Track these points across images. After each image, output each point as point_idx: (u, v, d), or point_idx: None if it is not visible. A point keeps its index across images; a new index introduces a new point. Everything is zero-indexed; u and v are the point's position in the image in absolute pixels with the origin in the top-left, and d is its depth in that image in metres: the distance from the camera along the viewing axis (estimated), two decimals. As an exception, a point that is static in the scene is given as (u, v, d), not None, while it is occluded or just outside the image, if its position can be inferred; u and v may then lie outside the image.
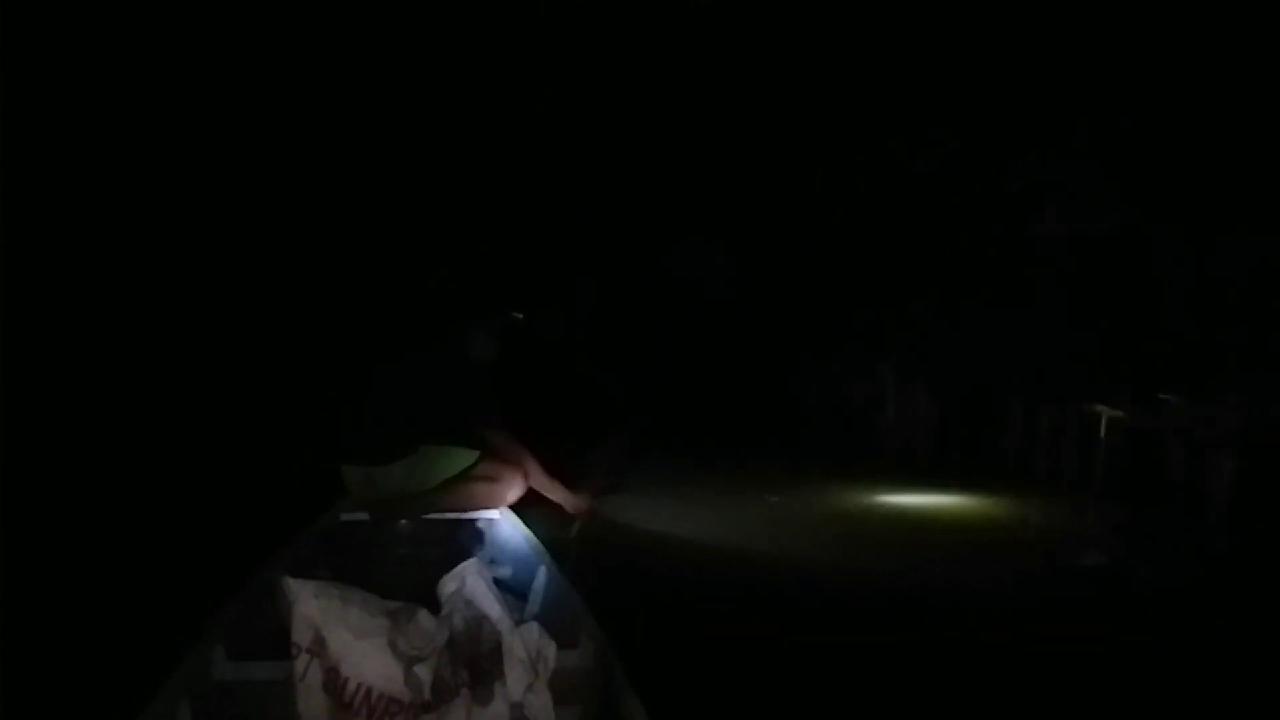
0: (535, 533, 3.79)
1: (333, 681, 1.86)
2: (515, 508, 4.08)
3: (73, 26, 8.45)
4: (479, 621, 2.03)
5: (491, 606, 2.04)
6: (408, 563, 3.11)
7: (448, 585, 2.08)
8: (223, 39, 9.28)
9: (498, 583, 2.15)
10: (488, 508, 4.00)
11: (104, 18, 8.61)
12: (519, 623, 2.10)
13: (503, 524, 3.95)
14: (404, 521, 3.63)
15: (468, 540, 3.41)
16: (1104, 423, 7.68)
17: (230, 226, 9.64)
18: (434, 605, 2.07)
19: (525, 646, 2.02)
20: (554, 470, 4.12)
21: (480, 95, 10.17)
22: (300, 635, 1.88)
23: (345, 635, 1.86)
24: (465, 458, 4.02)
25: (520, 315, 4.41)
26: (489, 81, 10.09)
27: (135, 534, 5.05)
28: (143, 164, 9.30)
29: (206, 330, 9.19)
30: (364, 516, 3.83)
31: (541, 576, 3.20)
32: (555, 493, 4.09)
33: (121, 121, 9.13)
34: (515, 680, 1.97)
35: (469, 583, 2.07)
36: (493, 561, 3.28)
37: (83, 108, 8.83)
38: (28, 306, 7.20)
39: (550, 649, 2.09)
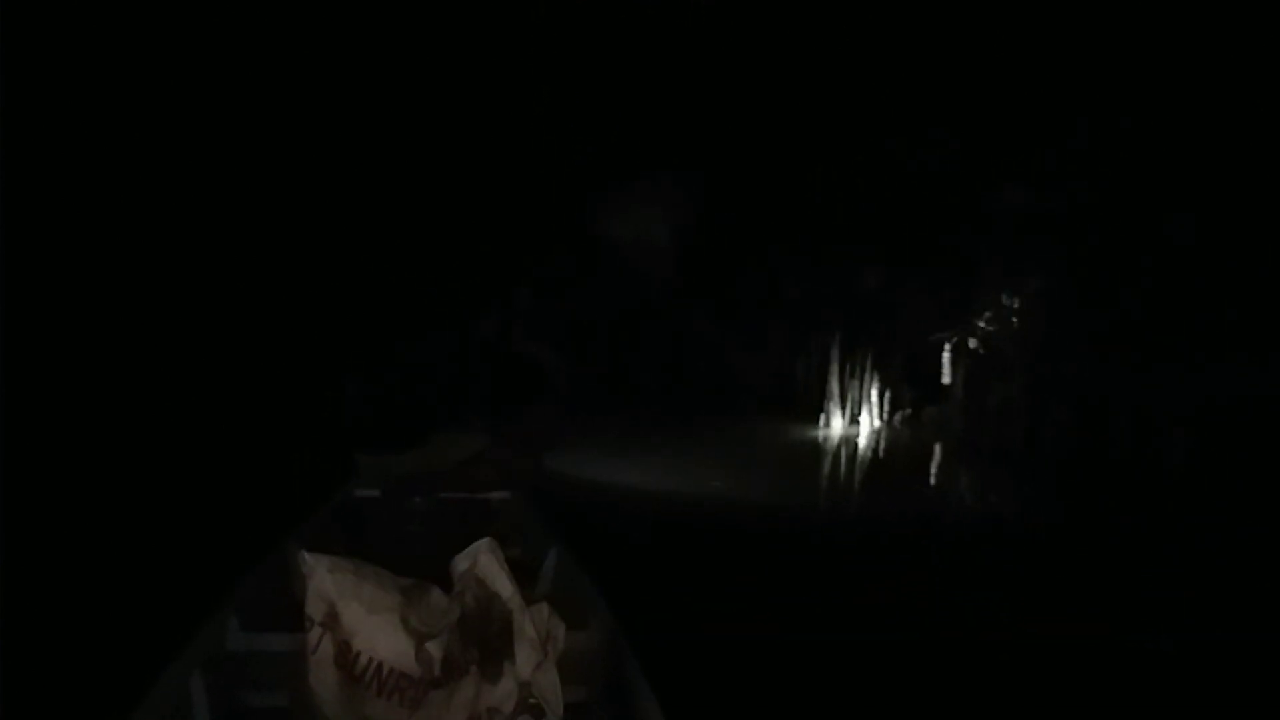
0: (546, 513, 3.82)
1: (344, 655, 1.88)
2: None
3: (73, 26, 8.47)
4: (490, 600, 2.05)
5: (503, 586, 2.05)
6: (421, 540, 3.14)
7: (460, 564, 2.10)
8: (211, 37, 9.28)
9: (508, 562, 2.17)
10: (498, 489, 4.02)
11: (103, 18, 8.62)
12: (529, 603, 2.11)
13: (513, 504, 3.97)
14: (417, 499, 3.66)
15: (480, 519, 3.43)
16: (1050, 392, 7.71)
17: (243, 218, 9.68)
18: (446, 583, 2.09)
19: (535, 626, 2.03)
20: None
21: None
22: (314, 609, 1.90)
23: (358, 610, 1.88)
24: (476, 442, 4.05)
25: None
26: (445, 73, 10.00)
27: (155, 509, 5.10)
28: (143, 157, 9.33)
29: (225, 314, 9.24)
30: (377, 494, 3.86)
31: (552, 557, 3.22)
32: None
33: (120, 117, 9.15)
34: (524, 659, 1.98)
35: (481, 562, 2.08)
36: (504, 541, 3.30)
37: (82, 107, 8.84)
38: (48, 289, 7.30)
39: (560, 629, 2.11)
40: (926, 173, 9.50)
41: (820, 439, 8.96)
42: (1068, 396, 8.29)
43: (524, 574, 2.67)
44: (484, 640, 2.00)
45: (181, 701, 2.00)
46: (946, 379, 9.30)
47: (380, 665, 1.86)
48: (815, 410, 9.73)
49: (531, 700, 1.98)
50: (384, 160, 9.95)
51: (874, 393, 9.63)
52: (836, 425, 9.42)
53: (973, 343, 9.07)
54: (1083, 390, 8.32)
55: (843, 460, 8.09)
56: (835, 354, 9.82)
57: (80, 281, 8.57)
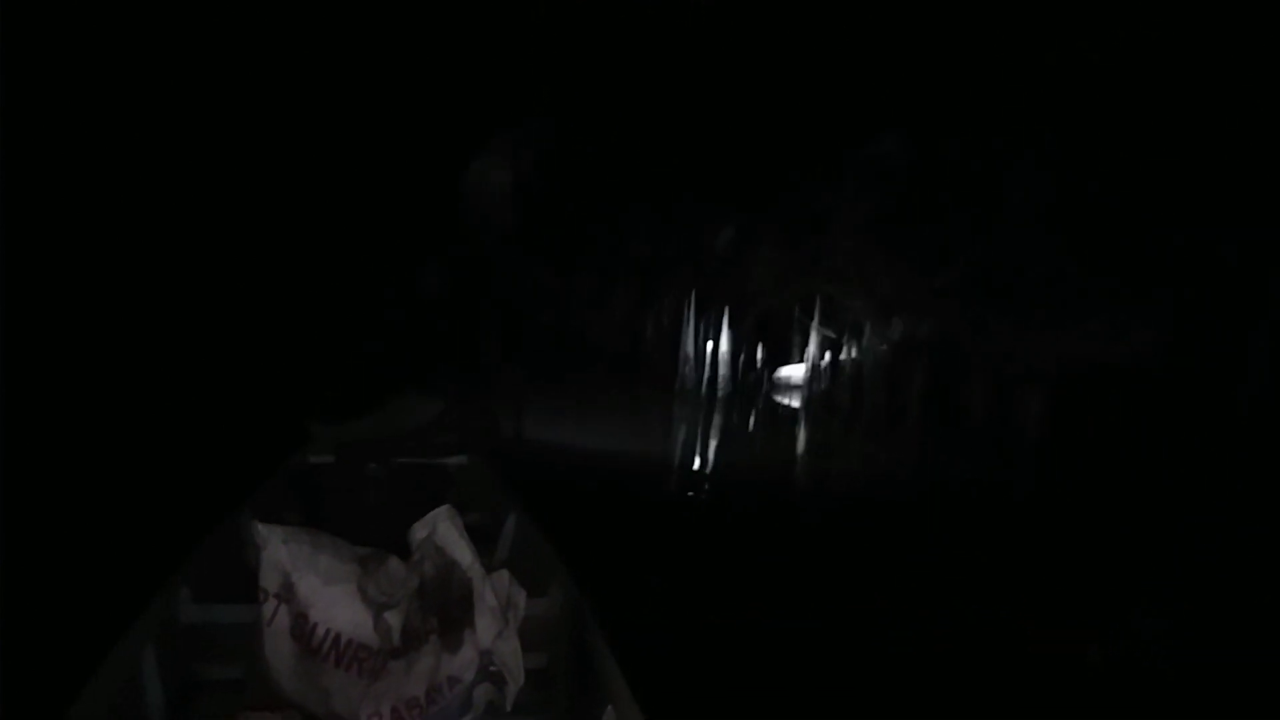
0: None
1: (300, 627, 1.85)
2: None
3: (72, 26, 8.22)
4: (449, 568, 2.02)
5: (462, 554, 2.03)
6: (377, 508, 3.09)
7: (419, 532, 2.07)
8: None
9: (467, 529, 2.14)
10: (454, 454, 3.98)
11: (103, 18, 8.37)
12: (489, 570, 2.09)
13: (471, 469, 3.94)
14: (373, 466, 3.61)
15: (437, 486, 3.40)
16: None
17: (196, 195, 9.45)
18: (404, 552, 2.06)
19: (495, 594, 2.01)
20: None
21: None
22: (268, 580, 1.86)
23: (314, 581, 1.85)
24: (431, 406, 3.99)
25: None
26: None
27: (104, 478, 5.00)
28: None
29: (175, 287, 9.07)
30: (332, 461, 3.80)
31: (511, 523, 3.20)
32: None
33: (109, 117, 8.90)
34: (485, 628, 1.96)
35: (440, 529, 2.05)
36: (462, 507, 3.28)
37: (81, 107, 8.59)
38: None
39: (520, 597, 2.09)
40: (778, 126, 9.38)
41: (674, 402, 8.87)
42: (920, 357, 8.43)
43: (483, 540, 2.65)
44: (444, 609, 1.97)
45: (134, 674, 1.96)
46: (800, 339, 9.31)
47: (338, 636, 1.83)
48: (664, 371, 9.55)
49: (492, 668, 1.97)
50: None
51: (726, 353, 9.53)
52: (690, 387, 9.34)
53: (821, 302, 9.08)
54: (935, 350, 8.48)
55: (698, 425, 8.06)
56: (688, 313, 9.64)
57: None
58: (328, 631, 1.83)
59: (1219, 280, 7.67)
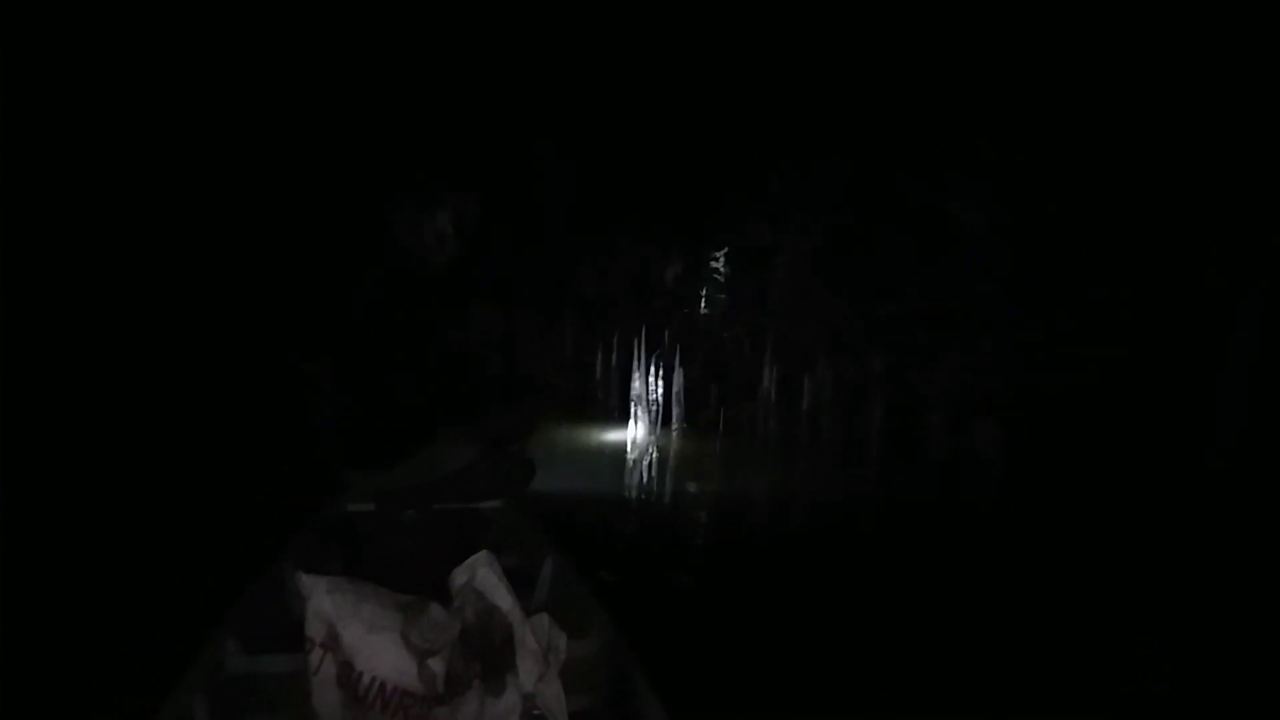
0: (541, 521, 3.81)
1: (346, 675, 1.87)
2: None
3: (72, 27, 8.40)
4: (490, 613, 2.04)
5: (503, 598, 2.05)
6: (417, 555, 3.12)
7: (459, 577, 2.09)
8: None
9: (506, 573, 2.16)
10: (492, 498, 4.01)
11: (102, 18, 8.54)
12: (529, 614, 2.11)
13: (507, 513, 3.96)
14: (410, 512, 3.64)
15: (475, 531, 3.42)
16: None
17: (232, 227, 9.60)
18: (445, 598, 2.09)
19: (536, 638, 2.03)
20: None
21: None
22: (314, 630, 1.89)
23: (359, 629, 1.88)
24: (467, 450, 4.02)
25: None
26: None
27: (147, 530, 5.08)
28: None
29: (208, 329, 9.19)
30: (370, 507, 3.83)
31: (549, 566, 3.22)
32: None
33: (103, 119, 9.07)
34: (527, 672, 1.98)
35: (480, 574, 2.08)
36: (499, 551, 3.30)
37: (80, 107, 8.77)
38: (29, 306, 7.25)
39: (561, 640, 2.11)
40: (720, 155, 9.34)
41: (630, 442, 8.72)
42: (874, 389, 8.40)
43: (522, 584, 2.67)
44: (486, 654, 2.00)
45: None
46: (752, 375, 9.16)
47: (383, 684, 1.85)
48: (615, 410, 9.35)
49: (536, 712, 1.98)
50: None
51: (678, 390, 9.33)
52: (643, 427, 9.14)
53: (767, 335, 8.93)
54: (888, 382, 8.45)
55: (654, 464, 7.97)
56: (638, 350, 9.43)
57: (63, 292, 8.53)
58: (373, 680, 1.86)
59: (1178, 305, 7.66)
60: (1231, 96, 7.34)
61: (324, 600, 1.90)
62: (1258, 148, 7.22)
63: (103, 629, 3.65)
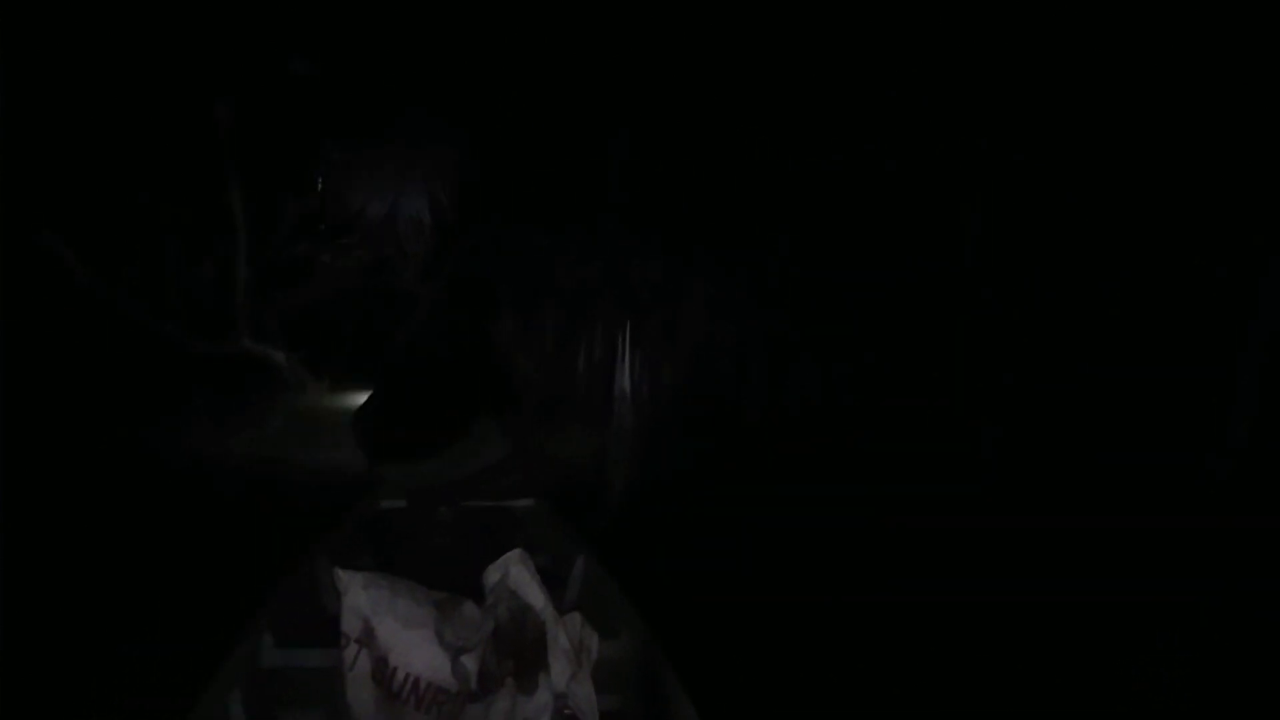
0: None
1: (381, 671, 1.89)
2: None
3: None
4: (523, 612, 2.05)
5: (535, 597, 2.06)
6: (449, 552, 3.14)
7: (492, 575, 2.10)
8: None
9: (538, 572, 2.17)
10: (523, 496, 4.03)
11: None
12: (561, 613, 2.12)
13: (538, 511, 3.98)
14: (443, 510, 3.67)
15: (507, 528, 3.44)
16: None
17: None
18: (478, 595, 2.10)
19: (569, 637, 2.03)
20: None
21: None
22: (349, 625, 1.91)
23: (393, 626, 1.89)
24: (496, 448, 4.04)
25: None
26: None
27: (184, 528, 5.14)
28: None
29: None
30: (402, 504, 3.87)
31: (580, 565, 3.22)
32: None
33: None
34: (559, 671, 1.98)
35: (513, 573, 2.08)
36: (531, 550, 3.31)
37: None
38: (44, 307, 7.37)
39: (593, 639, 2.11)
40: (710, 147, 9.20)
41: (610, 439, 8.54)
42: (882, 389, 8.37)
43: (552, 583, 2.68)
44: (518, 652, 2.00)
45: (222, 718, 2.01)
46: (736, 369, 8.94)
47: (417, 680, 1.87)
48: (598, 409, 8.90)
49: (567, 711, 1.98)
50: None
51: (665, 385, 9.04)
52: (630, 426, 8.93)
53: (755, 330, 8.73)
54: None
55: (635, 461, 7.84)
56: (623, 347, 9.04)
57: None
58: (407, 675, 1.87)
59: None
60: (1242, 91, 7.30)
61: (360, 596, 1.92)
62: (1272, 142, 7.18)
63: (120, 628, 3.70)
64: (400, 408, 4.05)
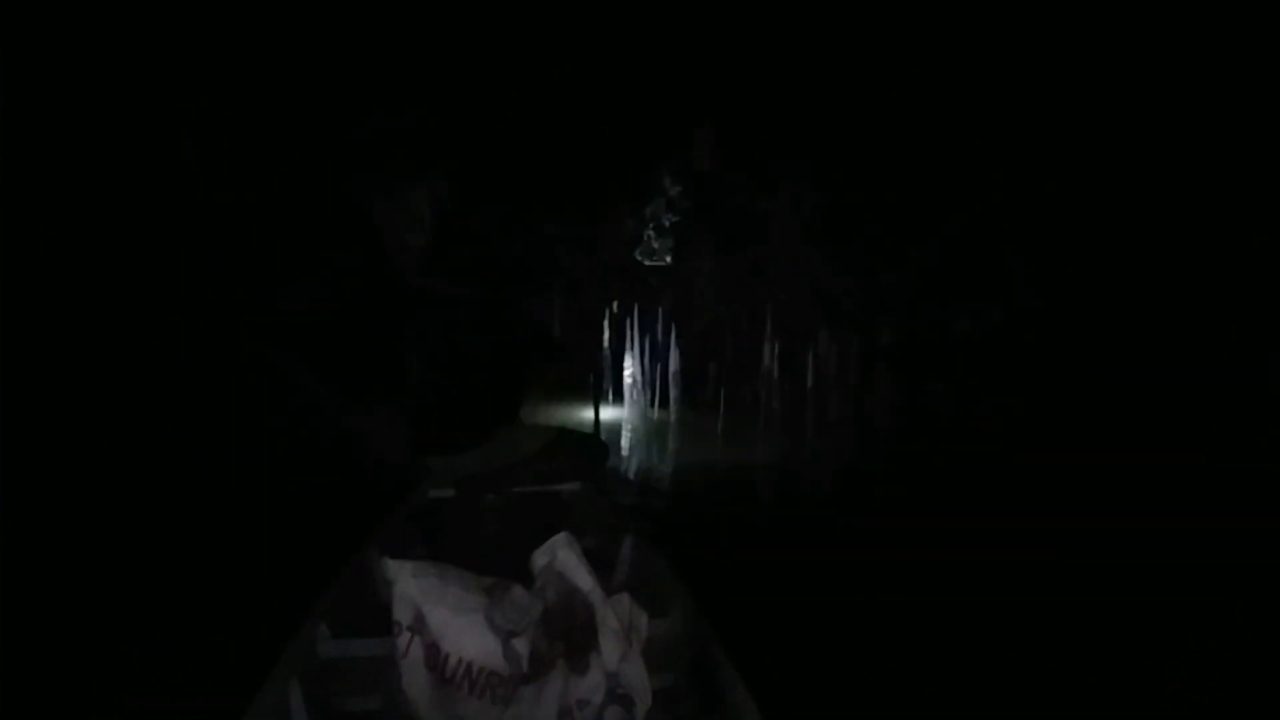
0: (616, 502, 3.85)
1: (434, 657, 1.92)
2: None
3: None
4: (571, 594, 2.07)
5: (583, 579, 2.07)
6: (498, 538, 3.18)
7: (539, 559, 2.13)
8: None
9: (585, 554, 2.18)
10: (570, 480, 4.05)
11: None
12: (609, 594, 2.13)
13: (585, 495, 4.00)
14: (490, 496, 3.70)
15: (554, 513, 3.46)
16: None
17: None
18: (526, 579, 2.12)
19: (618, 617, 2.05)
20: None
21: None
22: (401, 614, 1.94)
23: (444, 612, 1.92)
24: (542, 434, 4.08)
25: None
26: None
27: (240, 524, 5.22)
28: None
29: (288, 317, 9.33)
30: (451, 493, 3.91)
31: (627, 546, 3.24)
32: None
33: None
34: (609, 651, 2.00)
35: (560, 556, 2.10)
36: (578, 533, 3.34)
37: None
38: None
39: (642, 619, 2.12)
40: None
41: (629, 422, 8.43)
42: (871, 361, 8.19)
43: (601, 565, 2.70)
44: (568, 634, 2.02)
45: (283, 708, 2.06)
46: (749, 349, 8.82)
47: (470, 665, 1.89)
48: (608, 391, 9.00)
49: (619, 691, 1.99)
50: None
51: (672, 370, 8.96)
52: (635, 408, 8.82)
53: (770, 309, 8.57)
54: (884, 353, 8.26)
55: (649, 444, 7.78)
56: (631, 329, 9.09)
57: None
58: (460, 660, 1.90)
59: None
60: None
61: (410, 584, 1.95)
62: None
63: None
64: (443, 399, 4.10)
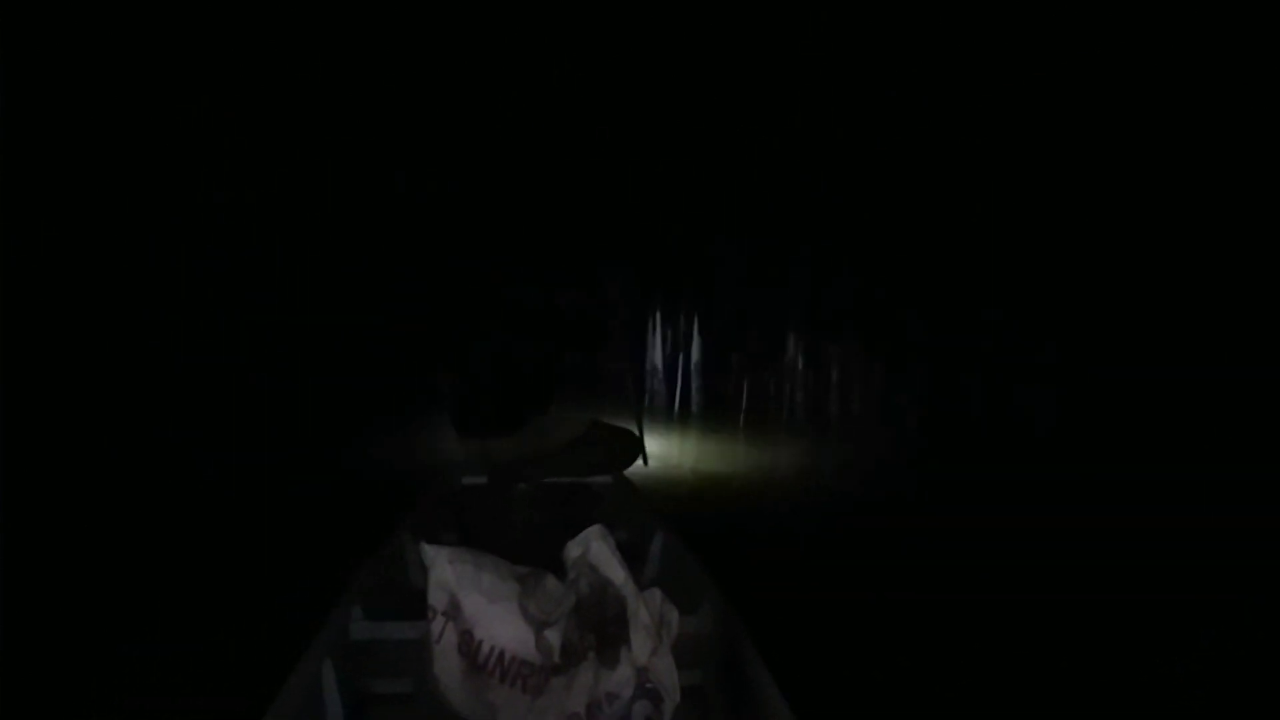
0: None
1: (467, 644, 1.93)
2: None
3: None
4: (604, 586, 2.07)
5: (615, 572, 2.08)
6: (529, 528, 3.19)
7: (573, 550, 2.13)
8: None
9: (618, 547, 2.19)
10: (602, 472, 4.05)
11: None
12: (641, 588, 2.13)
13: (617, 488, 4.01)
14: (522, 486, 3.71)
15: (585, 505, 3.47)
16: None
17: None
18: (559, 570, 2.13)
19: (649, 612, 2.05)
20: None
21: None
22: (436, 599, 1.95)
23: (478, 599, 1.93)
24: (577, 425, 4.07)
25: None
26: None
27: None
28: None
29: (321, 304, 9.41)
30: (483, 480, 3.93)
31: (658, 540, 3.24)
32: None
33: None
34: (640, 645, 2.00)
35: (593, 548, 2.11)
36: (610, 525, 3.34)
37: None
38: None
39: (673, 614, 2.12)
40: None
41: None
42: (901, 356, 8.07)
43: (632, 558, 2.70)
44: (600, 626, 2.03)
45: (315, 688, 2.08)
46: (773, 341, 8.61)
47: (502, 653, 1.90)
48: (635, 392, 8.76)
49: (649, 685, 2.00)
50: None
51: (694, 365, 8.70)
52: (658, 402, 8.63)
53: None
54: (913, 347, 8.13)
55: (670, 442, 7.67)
56: (652, 323, 8.92)
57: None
58: (492, 648, 1.91)
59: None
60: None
61: (446, 570, 1.96)
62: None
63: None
64: (479, 388, 4.10)
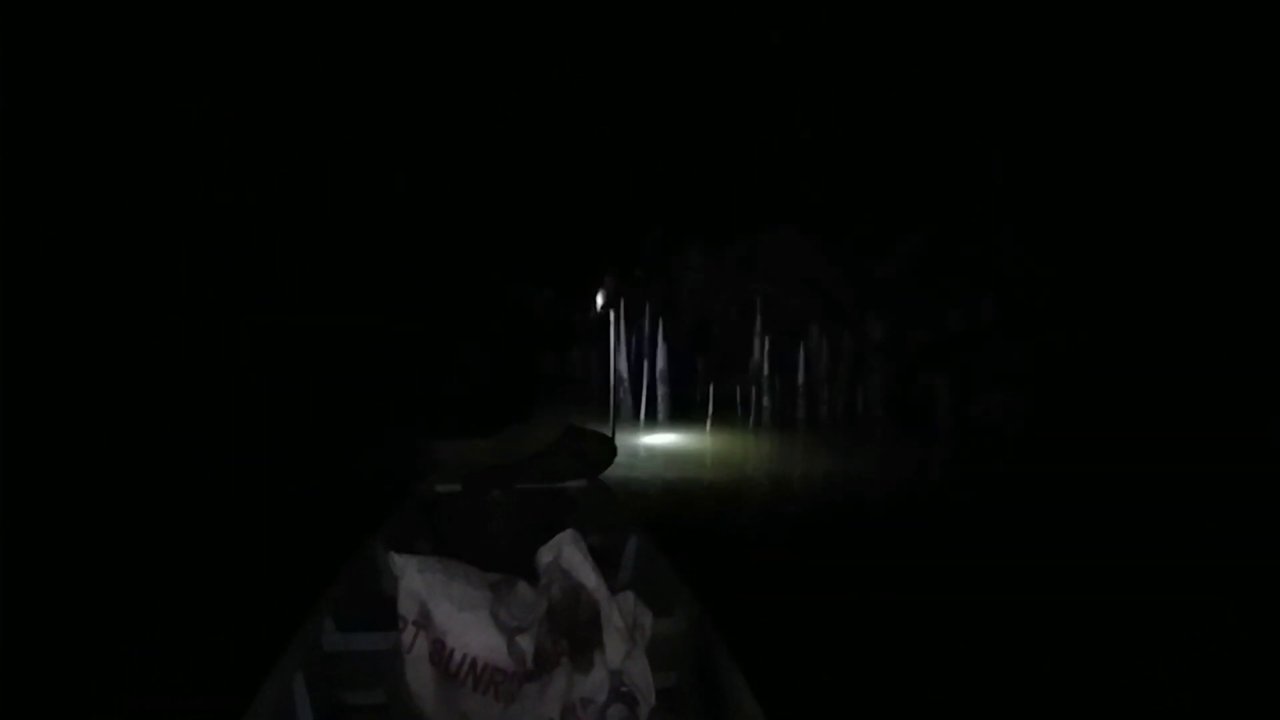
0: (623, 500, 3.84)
1: (439, 653, 1.92)
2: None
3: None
4: (577, 591, 2.07)
5: (588, 576, 2.07)
6: (504, 534, 3.17)
7: (545, 556, 2.12)
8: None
9: (590, 551, 2.18)
10: (577, 477, 4.04)
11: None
12: (614, 591, 2.13)
13: (591, 492, 4.00)
14: (497, 492, 3.69)
15: (560, 510, 3.46)
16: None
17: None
18: (532, 576, 2.12)
19: (623, 615, 2.05)
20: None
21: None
22: (406, 609, 1.94)
23: (449, 608, 1.92)
24: (552, 430, 4.05)
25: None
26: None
27: (244, 516, 5.24)
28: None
29: (297, 314, 9.36)
30: (458, 488, 3.90)
31: (633, 544, 3.23)
32: None
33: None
34: (614, 649, 2.00)
35: (565, 553, 2.10)
36: (584, 530, 3.33)
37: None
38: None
39: (647, 617, 2.12)
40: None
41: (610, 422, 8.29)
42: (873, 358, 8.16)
43: (606, 562, 2.69)
44: (573, 631, 2.02)
45: (287, 700, 2.06)
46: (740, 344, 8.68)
47: (474, 661, 1.89)
48: (601, 398, 8.68)
49: (623, 689, 1.99)
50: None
51: (661, 370, 8.71)
52: (628, 414, 8.66)
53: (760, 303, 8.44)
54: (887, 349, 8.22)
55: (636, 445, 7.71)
56: (620, 331, 8.85)
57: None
58: (464, 656, 1.90)
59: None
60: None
61: (416, 579, 1.95)
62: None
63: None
64: (455, 394, 4.08)
